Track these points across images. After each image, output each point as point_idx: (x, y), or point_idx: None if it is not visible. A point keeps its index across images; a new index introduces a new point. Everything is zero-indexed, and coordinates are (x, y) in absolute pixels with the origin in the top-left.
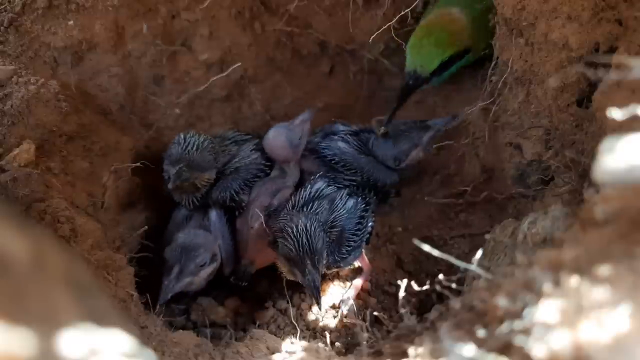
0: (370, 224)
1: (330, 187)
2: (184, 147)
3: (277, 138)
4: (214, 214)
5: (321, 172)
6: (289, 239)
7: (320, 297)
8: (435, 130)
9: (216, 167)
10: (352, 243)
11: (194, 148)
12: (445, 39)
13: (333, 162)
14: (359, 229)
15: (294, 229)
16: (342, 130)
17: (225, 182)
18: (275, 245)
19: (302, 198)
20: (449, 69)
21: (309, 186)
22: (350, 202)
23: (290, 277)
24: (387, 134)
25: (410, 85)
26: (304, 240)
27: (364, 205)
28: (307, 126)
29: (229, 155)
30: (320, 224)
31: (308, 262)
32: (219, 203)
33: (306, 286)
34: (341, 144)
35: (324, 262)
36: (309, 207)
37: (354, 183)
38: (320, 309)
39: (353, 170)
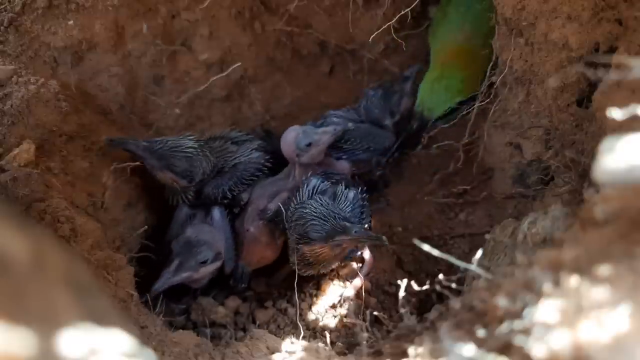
0: (369, 213)
1: (324, 183)
2: (169, 140)
3: (288, 133)
4: (216, 212)
5: (310, 172)
6: (312, 220)
7: (381, 237)
8: (413, 78)
9: (191, 178)
10: None
11: (173, 147)
12: (458, 85)
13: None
14: (362, 219)
15: (310, 208)
16: (334, 113)
17: (220, 179)
18: (302, 238)
19: (302, 197)
20: (456, 112)
21: (305, 186)
22: (352, 194)
23: (334, 260)
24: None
25: (416, 128)
26: (325, 210)
27: (363, 194)
28: (326, 139)
29: (228, 154)
30: (327, 202)
31: (344, 223)
32: (210, 199)
33: (361, 239)
34: (335, 119)
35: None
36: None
37: (344, 177)
38: (385, 243)
39: (351, 140)
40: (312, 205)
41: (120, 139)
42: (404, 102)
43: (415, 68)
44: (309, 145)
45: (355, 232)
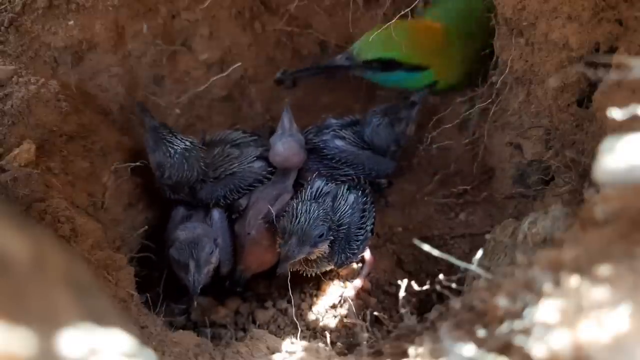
0: (372, 214)
1: (329, 185)
2: (172, 132)
3: (291, 148)
4: (216, 213)
5: (316, 172)
6: (290, 213)
7: (285, 268)
8: (420, 103)
9: (162, 174)
10: (360, 237)
11: (168, 140)
12: (398, 42)
13: (334, 160)
14: (363, 222)
15: (299, 207)
16: (335, 124)
17: (214, 186)
18: (277, 219)
19: (305, 198)
20: (388, 72)
21: (309, 187)
22: (352, 197)
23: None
24: (280, 82)
25: (339, 62)
26: (302, 220)
27: (364, 198)
28: (294, 123)
29: (228, 161)
30: (328, 217)
31: (294, 237)
32: (203, 203)
33: (281, 256)
34: (339, 142)
35: (312, 250)
36: None
37: (350, 177)
38: (276, 274)
39: (354, 166)
40: (304, 206)
41: (144, 108)
42: (409, 129)
43: (422, 93)
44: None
45: (282, 245)
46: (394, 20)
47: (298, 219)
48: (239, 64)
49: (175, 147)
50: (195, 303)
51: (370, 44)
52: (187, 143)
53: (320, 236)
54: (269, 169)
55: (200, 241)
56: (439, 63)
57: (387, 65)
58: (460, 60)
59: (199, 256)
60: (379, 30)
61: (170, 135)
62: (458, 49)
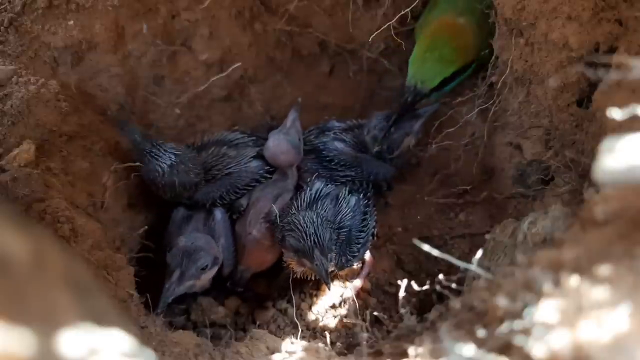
0: (373, 218)
1: (329, 186)
2: (160, 144)
3: (279, 146)
4: (218, 213)
5: (316, 174)
6: (296, 230)
7: (329, 281)
8: (425, 117)
9: (152, 184)
10: (360, 240)
11: (154, 153)
12: (450, 55)
13: (333, 162)
14: (364, 226)
15: (301, 220)
16: (337, 127)
17: (210, 187)
18: (282, 240)
19: (304, 200)
20: (450, 84)
21: (308, 188)
22: (353, 200)
23: (299, 270)
24: (380, 155)
25: (410, 102)
26: (312, 230)
27: (366, 201)
28: (299, 123)
29: (224, 161)
30: (328, 221)
31: (316, 250)
32: (199, 205)
33: (316, 272)
34: (338, 144)
35: (333, 254)
36: (313, 208)
37: (350, 179)
38: (329, 289)
39: (352, 169)
40: (306, 217)
41: (125, 125)
42: (407, 140)
43: (431, 108)
44: (299, 139)
45: (316, 264)
46: (426, 37)
47: (307, 232)
48: (239, 64)
49: (163, 164)
50: (160, 310)
51: (427, 71)
52: (173, 157)
53: (331, 240)
54: (267, 167)
55: (196, 253)
56: (477, 51)
57: (449, 79)
58: (483, 39)
59: (187, 268)
60: (422, 53)
61: (156, 149)
62: (479, 32)
